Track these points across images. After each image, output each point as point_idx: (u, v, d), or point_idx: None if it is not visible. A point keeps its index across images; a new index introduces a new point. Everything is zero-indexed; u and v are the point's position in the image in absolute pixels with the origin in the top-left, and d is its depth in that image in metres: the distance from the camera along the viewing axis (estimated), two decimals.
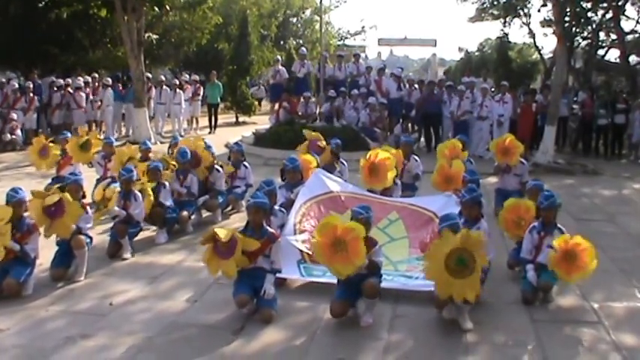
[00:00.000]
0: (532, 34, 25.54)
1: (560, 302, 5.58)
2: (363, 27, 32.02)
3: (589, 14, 21.49)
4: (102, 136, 11.36)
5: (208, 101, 18.15)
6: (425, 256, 4.92)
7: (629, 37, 21.42)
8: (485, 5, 25.56)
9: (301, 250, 6.10)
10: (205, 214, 8.37)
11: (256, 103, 23.16)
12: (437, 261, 4.74)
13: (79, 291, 5.70)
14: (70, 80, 16.13)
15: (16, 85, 15.25)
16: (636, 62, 21.85)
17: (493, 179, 9.79)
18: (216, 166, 8.39)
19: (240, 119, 20.91)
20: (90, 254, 6.19)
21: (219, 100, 18.57)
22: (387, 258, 5.89)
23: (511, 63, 26.84)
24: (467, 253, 4.74)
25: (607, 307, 5.46)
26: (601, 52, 23.68)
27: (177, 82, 17.56)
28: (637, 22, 22.09)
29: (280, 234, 5.66)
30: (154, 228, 7.38)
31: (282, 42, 28.24)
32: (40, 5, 19.02)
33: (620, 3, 19.87)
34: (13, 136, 14.33)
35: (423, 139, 14.84)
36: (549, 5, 19.50)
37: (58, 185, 6.62)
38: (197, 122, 18.16)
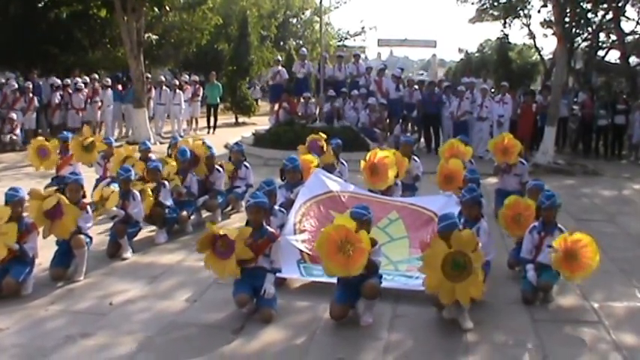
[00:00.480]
0: (532, 35, 25.60)
1: (561, 302, 5.58)
2: (363, 28, 32.23)
3: (589, 15, 21.47)
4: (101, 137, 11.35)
5: (208, 102, 18.14)
6: (422, 269, 4.89)
7: (629, 38, 21.39)
8: (485, 6, 25.53)
9: (301, 250, 6.09)
10: (205, 214, 8.36)
11: (256, 103, 23.17)
12: (435, 270, 4.72)
13: (78, 290, 5.69)
14: (68, 81, 16.11)
15: (15, 86, 15.21)
16: (636, 63, 21.84)
17: (493, 180, 9.79)
18: (216, 166, 8.39)
19: (240, 120, 20.92)
20: (89, 254, 6.18)
21: (218, 100, 18.57)
22: (387, 257, 5.90)
23: (511, 64, 26.86)
24: (460, 255, 4.72)
25: (607, 307, 5.46)
26: (601, 53, 23.66)
27: (177, 83, 17.53)
28: (637, 23, 22.15)
29: (280, 234, 5.65)
30: (154, 228, 7.38)
31: (281, 43, 28.28)
32: (40, 5, 19.04)
33: (620, 4, 19.87)
34: (13, 137, 14.32)
35: (423, 139, 14.84)
36: (549, 6, 19.51)
37: (55, 187, 6.61)
38: (197, 123, 18.16)
